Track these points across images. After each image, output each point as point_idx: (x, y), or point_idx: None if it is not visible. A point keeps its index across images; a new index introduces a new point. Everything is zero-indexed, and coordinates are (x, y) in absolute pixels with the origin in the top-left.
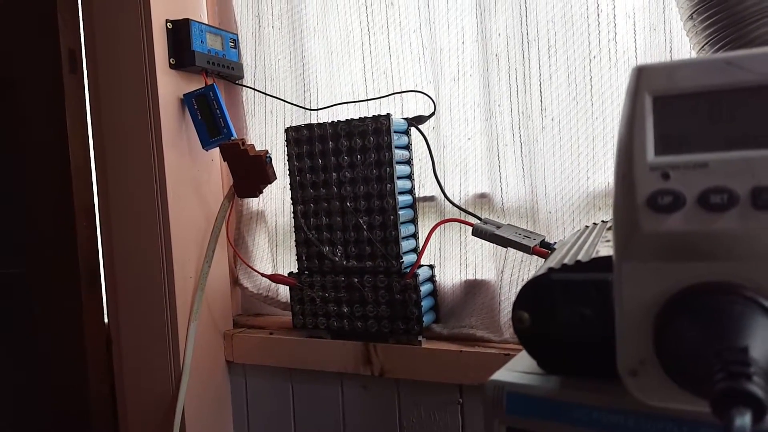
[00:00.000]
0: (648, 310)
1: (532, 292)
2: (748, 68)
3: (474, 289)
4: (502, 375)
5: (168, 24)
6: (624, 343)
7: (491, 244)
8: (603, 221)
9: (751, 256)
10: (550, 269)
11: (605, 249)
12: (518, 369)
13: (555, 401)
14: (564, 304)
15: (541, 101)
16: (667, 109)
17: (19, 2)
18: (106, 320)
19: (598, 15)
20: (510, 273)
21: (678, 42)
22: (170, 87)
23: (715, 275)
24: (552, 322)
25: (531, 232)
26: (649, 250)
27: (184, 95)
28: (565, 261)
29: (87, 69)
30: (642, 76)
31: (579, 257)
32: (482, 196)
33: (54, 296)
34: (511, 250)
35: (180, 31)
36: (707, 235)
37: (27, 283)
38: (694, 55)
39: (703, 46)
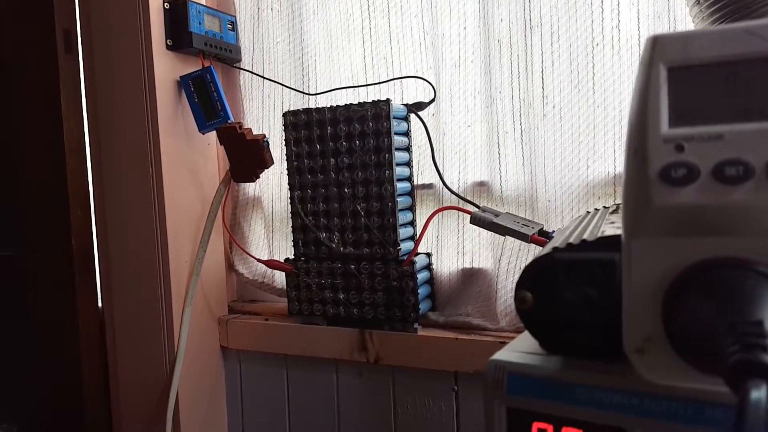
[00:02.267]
0: (657, 287)
1: (535, 272)
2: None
3: (471, 277)
4: (502, 355)
5: (165, 4)
6: (631, 321)
7: (489, 233)
8: (604, 207)
9: (766, 231)
10: (555, 248)
11: (611, 230)
12: (519, 349)
13: (556, 381)
14: (568, 284)
15: (542, 88)
16: (682, 80)
17: None
18: (99, 304)
19: (602, 2)
20: (507, 261)
21: (682, 29)
22: (167, 69)
23: (728, 250)
24: (555, 302)
25: (529, 221)
26: (660, 225)
27: (181, 77)
28: (571, 240)
29: (82, 49)
30: (657, 45)
31: (585, 236)
32: (481, 184)
33: (48, 280)
34: (509, 239)
35: (177, 12)
36: (722, 209)
37: (20, 265)
38: None
39: None
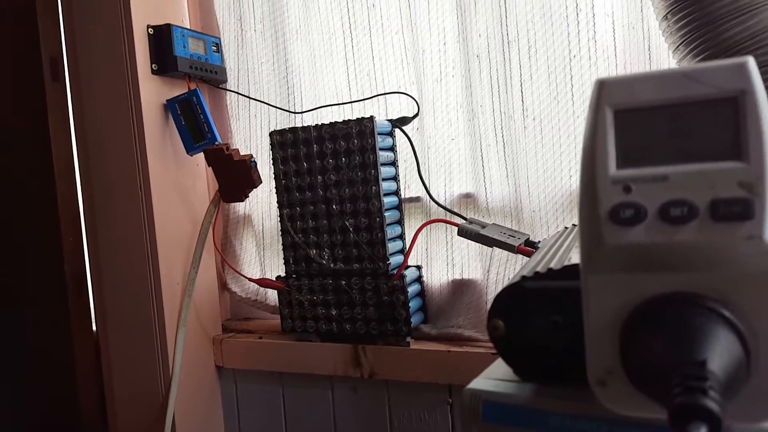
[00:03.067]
0: (614, 321)
1: (506, 300)
2: (705, 81)
3: (461, 288)
4: (478, 383)
5: (149, 29)
6: (592, 354)
7: (477, 244)
8: (574, 225)
9: (711, 267)
10: (523, 277)
11: (577, 256)
12: (495, 376)
13: (530, 409)
14: (537, 312)
15: (522, 101)
16: (628, 122)
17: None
18: (94, 328)
19: (578, 14)
20: (496, 272)
21: (656, 39)
22: (153, 93)
23: (678, 286)
24: (526, 330)
25: (516, 231)
26: (613, 262)
27: (168, 101)
28: (538, 269)
29: (69, 76)
30: (603, 89)
31: (552, 264)
32: (467, 196)
33: (41, 304)
34: (497, 249)
35: (162, 37)
36: (669, 247)
37: (14, 291)
38: (671, 54)
39: (678, 46)
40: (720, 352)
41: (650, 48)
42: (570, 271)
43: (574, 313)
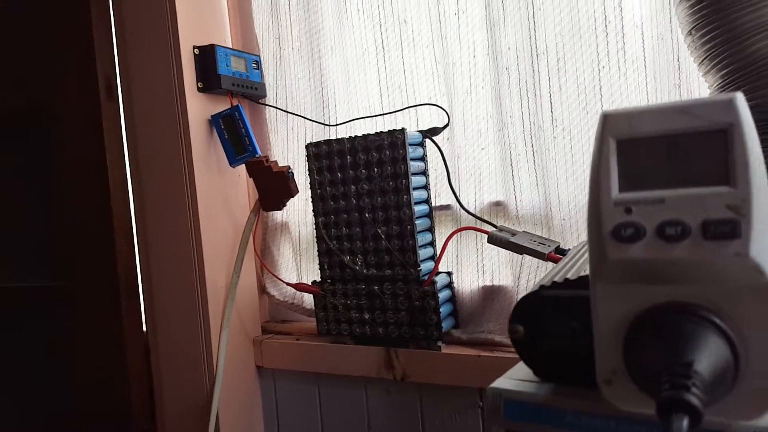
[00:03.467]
0: (619, 326)
1: (526, 307)
2: (698, 115)
3: (492, 294)
4: (500, 383)
5: (195, 50)
6: (600, 355)
7: (507, 251)
8: None
9: (704, 280)
10: (542, 286)
11: None
12: (516, 377)
13: (548, 407)
14: (554, 318)
15: (551, 112)
16: (629, 151)
17: (59, 34)
18: (144, 329)
19: (606, 26)
20: (526, 279)
21: (685, 50)
22: (199, 109)
23: (673, 296)
24: (544, 334)
25: (546, 239)
26: (616, 275)
27: (212, 116)
28: (556, 278)
29: (122, 95)
30: (607, 122)
31: (569, 275)
32: (497, 204)
33: (96, 308)
34: (528, 257)
35: (206, 57)
36: (665, 262)
37: (71, 295)
38: (696, 67)
39: (702, 60)
40: (708, 355)
41: (680, 59)
42: (585, 281)
43: (588, 320)
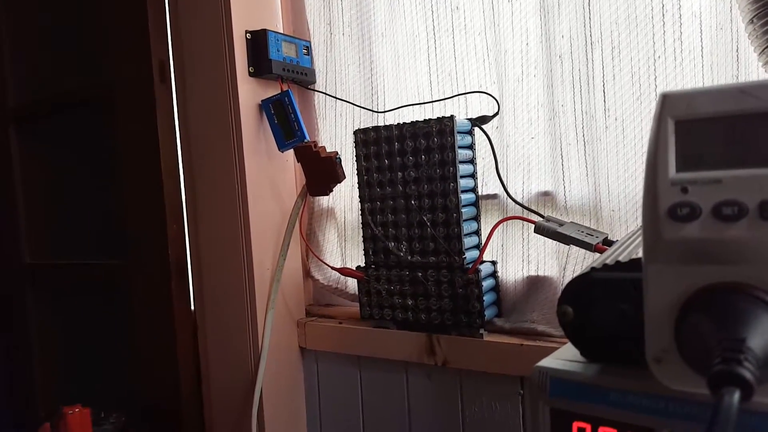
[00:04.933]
0: (671, 306)
1: (575, 289)
2: (759, 96)
3: (536, 285)
4: (547, 362)
5: (247, 35)
6: (650, 334)
7: (553, 242)
8: None
9: (759, 260)
10: (592, 268)
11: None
12: (563, 357)
13: (593, 386)
14: (604, 300)
15: (604, 101)
16: (687, 131)
17: (116, 18)
18: (192, 308)
19: (663, 15)
20: (572, 270)
21: (744, 41)
22: (249, 94)
23: (728, 276)
24: (593, 316)
25: (594, 230)
26: (670, 255)
27: (262, 101)
28: (607, 261)
29: (175, 78)
30: (666, 102)
31: (620, 258)
32: (545, 194)
33: (147, 286)
34: (574, 248)
35: (258, 41)
36: (720, 242)
37: (123, 274)
38: (756, 57)
39: (763, 50)
40: (761, 333)
41: (738, 50)
42: (636, 263)
43: (637, 302)
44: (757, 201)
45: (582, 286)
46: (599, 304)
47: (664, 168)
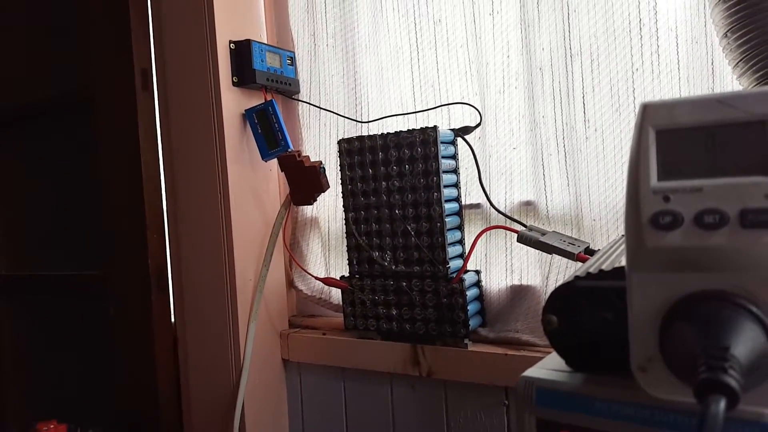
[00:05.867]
0: (655, 314)
1: (560, 297)
2: (737, 106)
3: (520, 294)
4: (532, 372)
5: (231, 45)
6: (635, 343)
7: (537, 251)
8: None
9: (740, 268)
10: (577, 277)
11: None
12: (548, 367)
13: (578, 395)
14: (588, 309)
15: (584, 113)
16: (668, 141)
17: (97, 24)
18: (173, 320)
19: (640, 29)
20: (555, 279)
21: (719, 54)
22: (233, 103)
23: (710, 284)
24: (577, 325)
25: (576, 239)
26: (653, 263)
27: (246, 111)
28: (590, 270)
29: (157, 86)
30: (646, 112)
31: (603, 267)
32: (527, 203)
33: (126, 296)
34: (557, 257)
35: (242, 51)
36: (702, 250)
37: (102, 284)
38: (730, 70)
39: (737, 63)
40: (744, 341)
41: (713, 62)
42: (619, 272)
43: (621, 310)
44: (738, 209)
45: (566, 294)
46: (583, 312)
47: (645, 177)
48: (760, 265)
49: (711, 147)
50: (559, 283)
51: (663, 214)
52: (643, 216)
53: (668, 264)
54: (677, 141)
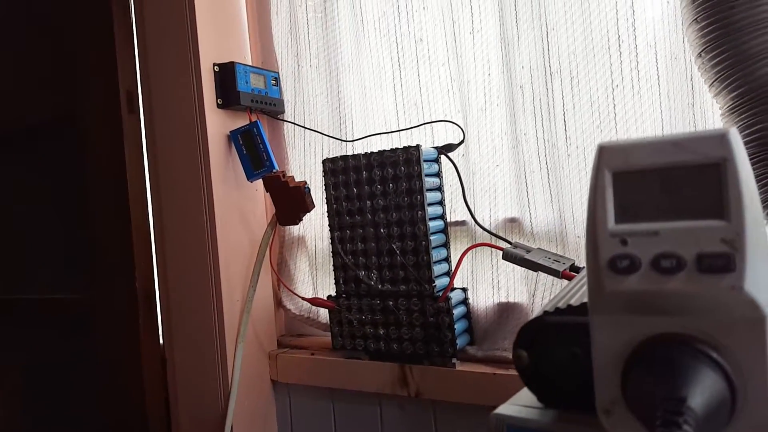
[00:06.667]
0: (617, 357)
1: (529, 333)
2: (691, 149)
3: (507, 311)
4: (503, 409)
5: (215, 67)
6: (599, 386)
7: (523, 268)
8: None
9: (699, 313)
10: (545, 312)
11: None
12: (519, 403)
13: None
14: (557, 344)
15: (565, 130)
16: (624, 183)
17: (83, 47)
18: (161, 341)
19: (620, 45)
20: (541, 296)
21: (696, 72)
22: (218, 125)
23: (670, 327)
24: (547, 360)
25: (560, 256)
26: (613, 306)
27: (231, 132)
28: (559, 305)
29: (143, 109)
30: (603, 154)
31: (572, 300)
32: (512, 220)
33: (114, 319)
34: (543, 273)
35: (226, 74)
36: (660, 294)
37: (89, 307)
38: (707, 88)
39: (713, 82)
40: (702, 390)
41: (693, 78)
42: (586, 307)
43: (590, 347)
44: (694, 253)
45: (536, 330)
46: (553, 348)
47: (603, 219)
48: (718, 310)
49: (667, 189)
50: (545, 302)
51: (621, 258)
52: (602, 259)
53: (628, 307)
54: (633, 183)
